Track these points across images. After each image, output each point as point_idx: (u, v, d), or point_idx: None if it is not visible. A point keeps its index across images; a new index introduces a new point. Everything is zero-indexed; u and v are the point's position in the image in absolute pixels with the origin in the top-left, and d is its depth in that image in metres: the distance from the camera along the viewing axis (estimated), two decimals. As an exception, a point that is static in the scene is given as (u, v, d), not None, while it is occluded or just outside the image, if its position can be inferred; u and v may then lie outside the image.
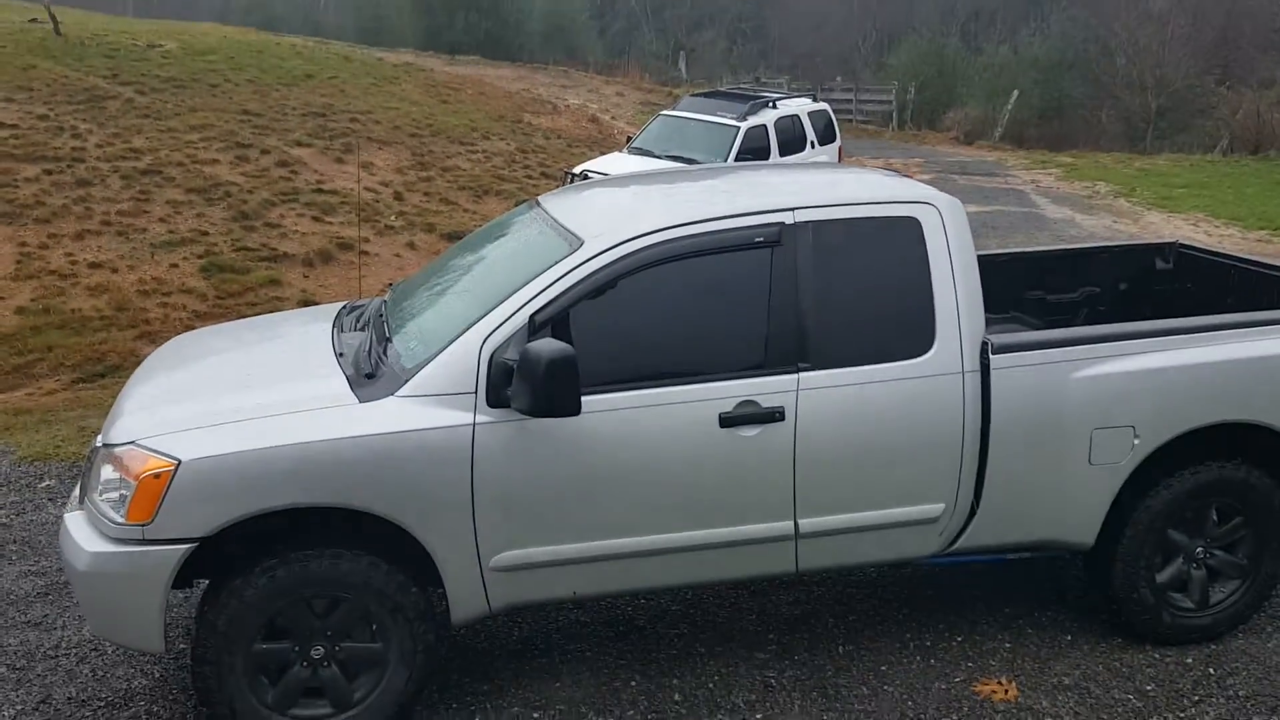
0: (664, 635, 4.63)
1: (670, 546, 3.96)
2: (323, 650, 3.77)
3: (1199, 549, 4.42)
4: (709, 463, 3.91)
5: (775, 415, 3.92)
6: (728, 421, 3.89)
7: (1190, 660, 4.40)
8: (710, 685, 4.26)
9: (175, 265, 11.75)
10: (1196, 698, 4.18)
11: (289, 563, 3.66)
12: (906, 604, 4.87)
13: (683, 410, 3.88)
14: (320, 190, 14.30)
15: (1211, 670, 4.35)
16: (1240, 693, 4.21)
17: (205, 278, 11.59)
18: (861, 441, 4.02)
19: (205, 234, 12.52)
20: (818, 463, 3.98)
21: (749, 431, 3.91)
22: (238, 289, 11.48)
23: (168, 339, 5.46)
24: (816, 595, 4.97)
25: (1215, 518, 4.41)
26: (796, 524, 4.03)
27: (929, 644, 4.54)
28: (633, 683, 4.27)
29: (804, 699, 4.18)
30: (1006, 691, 4.21)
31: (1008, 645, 4.52)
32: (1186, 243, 5.90)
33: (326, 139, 16.53)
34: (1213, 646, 4.48)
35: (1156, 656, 4.42)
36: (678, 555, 3.99)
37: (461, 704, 4.13)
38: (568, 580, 3.94)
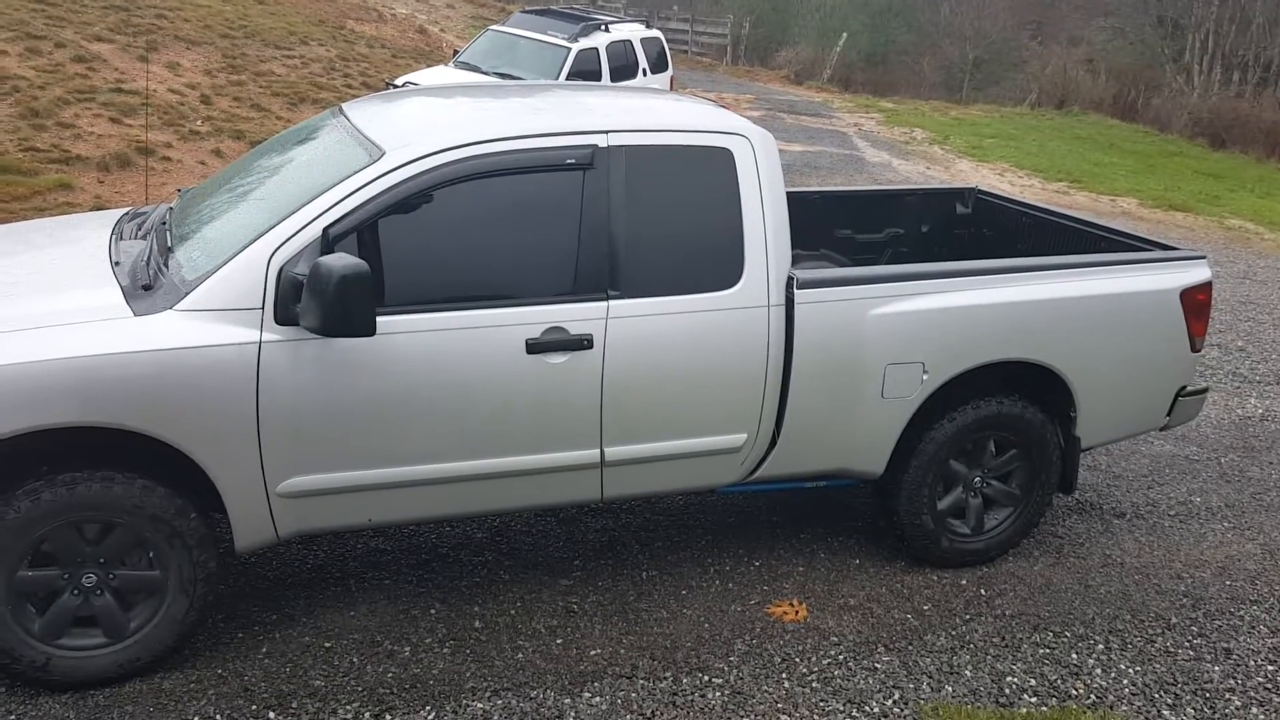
0: (467, 563, 4.58)
1: (472, 473, 3.89)
2: (95, 578, 3.55)
3: (977, 479, 4.67)
4: (514, 389, 3.84)
5: (583, 343, 3.88)
6: (535, 348, 3.82)
7: (964, 582, 4.68)
8: (512, 612, 4.25)
9: (-51, 162, 10.67)
10: (968, 616, 4.45)
11: (54, 485, 3.40)
12: (709, 531, 4.97)
13: (488, 335, 3.78)
14: (120, 90, 13.23)
15: (983, 591, 4.64)
16: (1007, 611, 4.51)
17: (-16, 178, 10.57)
18: (669, 371, 4.02)
19: (-15, 130, 11.41)
20: (625, 391, 3.97)
21: (556, 358, 3.86)
22: (24, 192, 10.52)
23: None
24: (624, 523, 5.01)
25: (993, 449, 4.67)
26: (603, 452, 4.02)
27: (728, 569, 4.66)
28: (432, 610, 4.22)
29: (604, 623, 4.22)
30: (797, 613, 4.37)
31: (800, 569, 4.69)
32: (984, 189, 6.15)
33: (129, 35, 15.28)
34: (985, 570, 4.77)
35: (935, 579, 4.68)
36: (480, 482, 3.92)
37: (248, 633, 3.98)
38: (362, 507, 3.81)
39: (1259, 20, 21.45)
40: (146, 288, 3.60)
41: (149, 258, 3.81)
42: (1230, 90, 21.98)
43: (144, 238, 4.08)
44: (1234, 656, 4.33)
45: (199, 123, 12.81)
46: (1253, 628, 4.53)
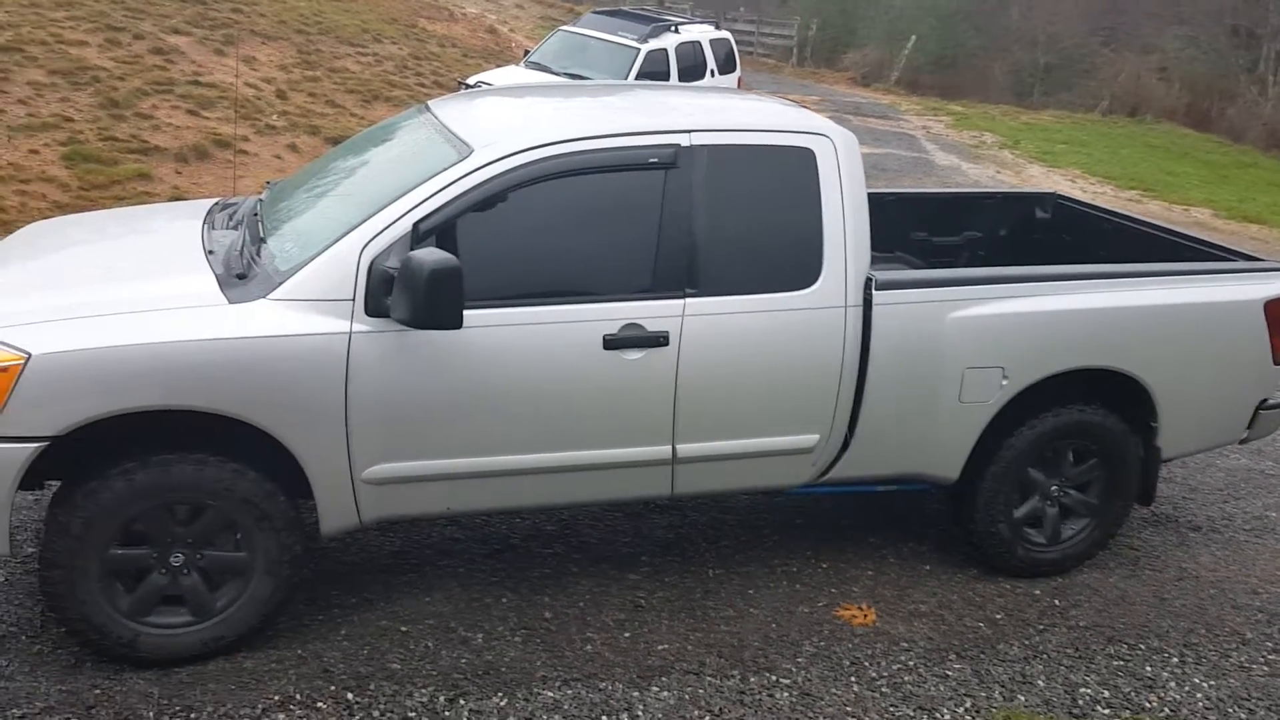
0: (537, 554, 4.63)
1: (548, 466, 3.94)
2: (183, 557, 3.65)
3: (1054, 488, 4.62)
4: (590, 384, 3.88)
5: (660, 340, 3.91)
6: (612, 344, 3.86)
7: (1039, 592, 4.63)
8: (581, 604, 4.29)
9: (35, 151, 11.00)
10: (1041, 626, 4.41)
11: (149, 466, 3.50)
12: (777, 531, 4.98)
13: (567, 330, 3.83)
14: (198, 83, 13.55)
15: (1057, 602, 4.58)
16: (1081, 623, 4.45)
17: (68, 167, 10.88)
18: (743, 370, 4.04)
19: (70, 120, 11.74)
20: (699, 389, 3.99)
21: (633, 355, 3.89)
22: (104, 181, 10.83)
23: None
24: (691, 520, 5.04)
25: (1072, 458, 4.61)
26: (675, 448, 4.05)
27: (795, 570, 4.66)
28: (504, 599, 4.27)
29: (672, 619, 4.25)
30: (866, 616, 4.36)
31: (870, 573, 4.67)
32: (1064, 195, 6.08)
33: (206, 28, 15.64)
34: (1060, 580, 4.72)
35: (1008, 587, 4.64)
36: (555, 475, 3.97)
37: (328, 616, 4.07)
38: (442, 496, 3.88)
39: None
40: (241, 276, 3.70)
41: (242, 247, 3.92)
42: (1307, 100, 21.44)
43: (236, 228, 4.19)
44: (1314, 676, 4.24)
45: (274, 117, 13.06)
46: (1334, 647, 4.43)
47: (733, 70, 16.01)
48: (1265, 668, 4.28)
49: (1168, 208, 15.17)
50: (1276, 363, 4.79)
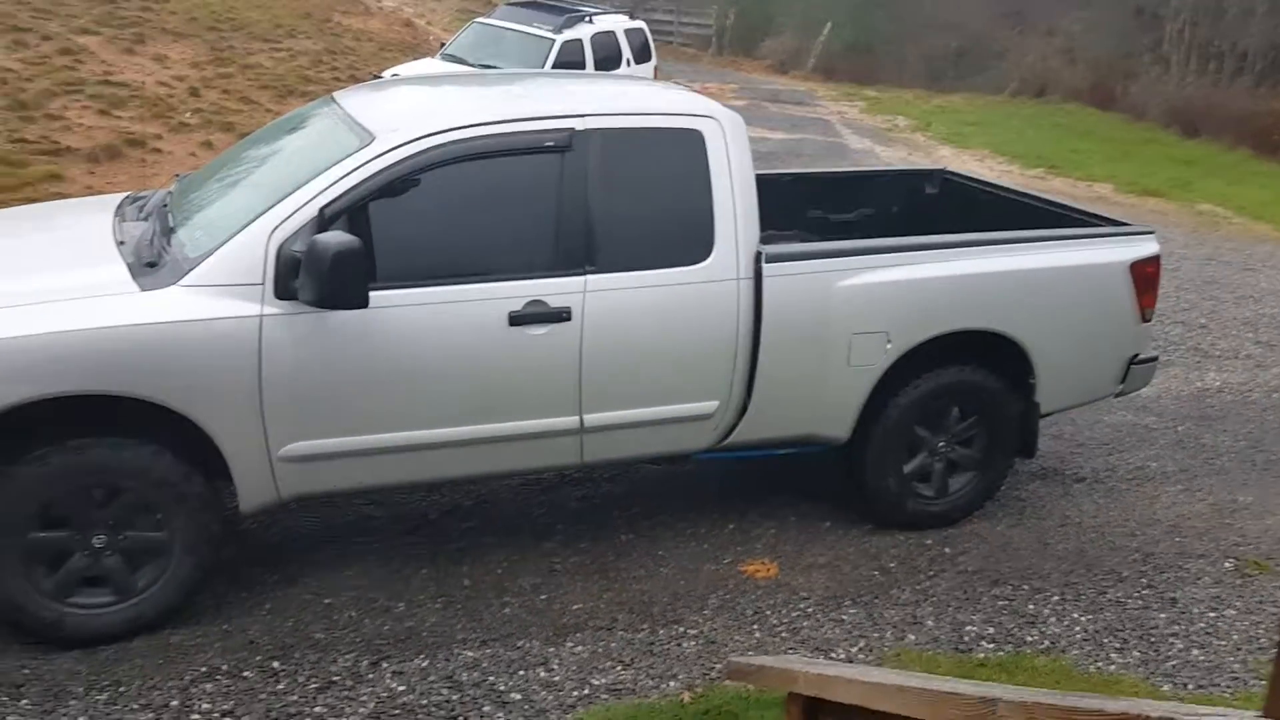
0: (454, 528, 4.82)
1: (460, 439, 4.12)
2: (104, 539, 3.77)
3: (940, 443, 4.92)
4: (498, 359, 4.08)
5: (562, 315, 4.11)
6: (517, 320, 4.05)
7: (929, 541, 4.94)
8: (498, 571, 4.49)
9: (-59, 155, 10.81)
10: (931, 573, 4.71)
11: (65, 450, 3.62)
12: (685, 498, 5.22)
13: (473, 308, 4.02)
14: (108, 82, 13.36)
15: (946, 549, 4.90)
16: (969, 568, 4.77)
17: (-24, 170, 10.72)
18: (643, 342, 4.26)
19: (-24, 123, 11.55)
20: (602, 361, 4.21)
21: (537, 330, 4.09)
22: (14, 183, 10.66)
23: (-69, 227, 5.13)
24: (603, 491, 5.26)
25: (957, 415, 4.92)
26: (582, 418, 4.26)
27: (703, 532, 4.90)
28: (423, 570, 4.45)
29: (585, 580, 4.47)
30: (768, 570, 4.63)
31: (772, 531, 4.94)
32: (952, 170, 6.40)
33: (115, 27, 15.40)
34: (949, 530, 5.03)
35: (900, 539, 4.94)
36: (467, 448, 4.16)
37: (251, 593, 4.21)
38: (357, 470, 4.04)
39: (1234, 10, 21.75)
40: (151, 265, 3.82)
41: (152, 237, 4.03)
42: (1206, 79, 22.27)
43: (146, 219, 4.29)
44: (1179, 605, 4.60)
45: (188, 115, 12.95)
46: (1197, 579, 4.80)
47: (649, 60, 16.21)
48: (1139, 601, 4.62)
49: (1072, 184, 15.72)
50: (1145, 320, 5.15)
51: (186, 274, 3.72)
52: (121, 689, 3.65)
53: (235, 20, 17.95)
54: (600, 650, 4.03)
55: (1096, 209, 6.15)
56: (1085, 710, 1.38)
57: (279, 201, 3.81)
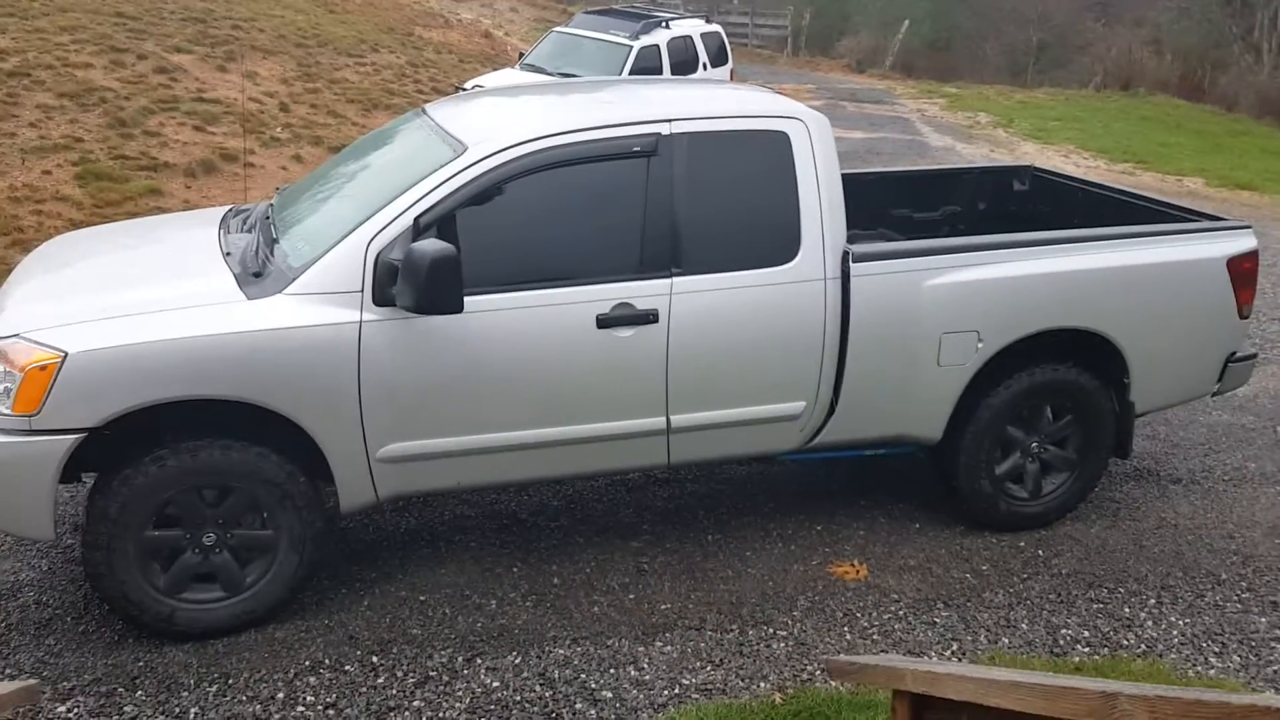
0: (544, 527, 4.90)
1: (549, 440, 4.20)
2: (214, 537, 3.93)
3: (1034, 444, 4.86)
4: (586, 361, 4.14)
5: (649, 317, 4.16)
6: (604, 323, 4.12)
7: (1022, 544, 4.87)
8: (587, 570, 4.56)
9: (48, 172, 11.30)
10: (1025, 575, 4.65)
11: (179, 452, 3.79)
12: (771, 498, 5.23)
13: (562, 311, 4.09)
14: (202, 99, 13.84)
15: (1040, 552, 4.83)
16: (1063, 570, 4.70)
17: (81, 185, 11.18)
18: (729, 343, 4.29)
19: (80, 140, 12.04)
20: (688, 362, 4.25)
21: (624, 332, 4.15)
22: (117, 198, 11.12)
23: (46, 243, 5.40)
24: (689, 491, 5.29)
25: (1050, 416, 4.85)
26: (669, 419, 4.31)
27: (790, 532, 4.91)
28: (514, 569, 4.54)
29: (674, 580, 4.51)
30: (858, 572, 4.62)
31: (861, 533, 4.92)
32: (1040, 166, 6.31)
33: (208, 46, 15.94)
34: (1042, 532, 4.96)
35: (993, 541, 4.88)
36: (557, 448, 4.23)
37: (351, 589, 4.34)
38: (451, 471, 4.15)
39: (1332, -6, 21.02)
40: (257, 275, 3.98)
41: (257, 248, 4.19)
42: (1302, 67, 21.54)
43: (250, 231, 4.46)
44: (1282, 609, 4.48)
45: (279, 129, 13.35)
46: (1303, 583, 4.66)
47: (725, 63, 16.24)
48: (1238, 605, 4.51)
49: (1161, 179, 15.32)
50: (1242, 317, 5.02)
51: (290, 283, 3.86)
52: (230, 681, 3.80)
53: (320, 36, 18.43)
54: (690, 650, 4.07)
55: (1221, 211, 5.99)
56: (1209, 703, 1.37)
57: (377, 211, 3.93)
